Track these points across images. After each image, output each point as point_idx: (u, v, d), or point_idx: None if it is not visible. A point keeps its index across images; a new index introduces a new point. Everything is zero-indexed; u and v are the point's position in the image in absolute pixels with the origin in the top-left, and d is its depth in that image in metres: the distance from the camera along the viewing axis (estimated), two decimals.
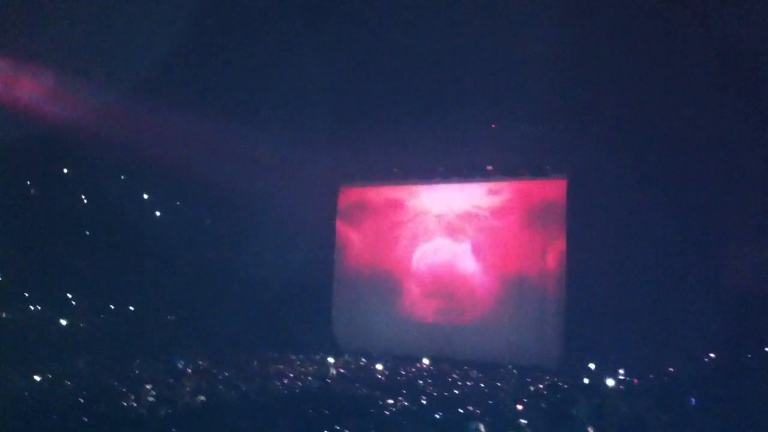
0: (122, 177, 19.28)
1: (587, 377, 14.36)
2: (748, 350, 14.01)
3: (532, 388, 14.24)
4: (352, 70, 16.66)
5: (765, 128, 14.19)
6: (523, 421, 9.85)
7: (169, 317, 20.82)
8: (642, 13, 13.89)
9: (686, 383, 10.98)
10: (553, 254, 18.35)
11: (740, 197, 15.45)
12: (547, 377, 15.36)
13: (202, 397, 13.13)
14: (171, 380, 14.65)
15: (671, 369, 14.14)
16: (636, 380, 13.72)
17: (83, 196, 18.81)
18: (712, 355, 14.16)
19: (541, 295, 18.49)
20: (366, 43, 16.22)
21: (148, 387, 13.62)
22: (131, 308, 20.47)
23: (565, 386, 13.89)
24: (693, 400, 8.50)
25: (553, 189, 18.63)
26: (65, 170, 18.72)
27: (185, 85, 17.00)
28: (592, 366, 15.30)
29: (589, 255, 17.18)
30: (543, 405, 11.29)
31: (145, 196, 20.19)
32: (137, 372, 15.70)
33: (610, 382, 13.42)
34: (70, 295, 19.41)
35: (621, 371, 14.19)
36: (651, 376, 13.71)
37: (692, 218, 15.67)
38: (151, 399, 12.88)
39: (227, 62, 16.72)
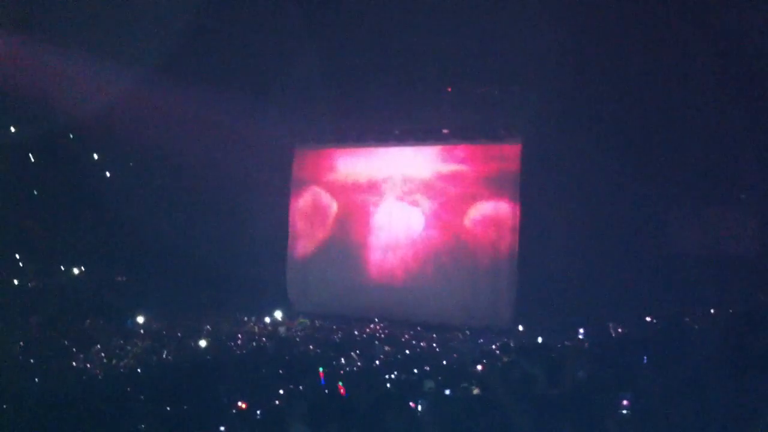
0: (71, 136, 18.86)
1: (540, 338, 14.56)
2: (691, 313, 14.31)
3: (484, 349, 14.41)
4: (305, 32, 16.45)
5: (720, 95, 14.33)
6: (476, 380, 9.96)
7: (119, 278, 20.61)
8: None
9: (636, 343, 11.19)
10: (507, 217, 18.48)
11: (691, 164, 15.68)
12: (499, 338, 15.56)
13: (154, 358, 13.12)
14: (121, 341, 14.58)
15: (621, 330, 14.40)
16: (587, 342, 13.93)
17: (30, 155, 18.38)
18: (651, 317, 14.44)
19: (495, 258, 18.65)
20: (321, 4, 16.06)
21: (98, 347, 13.56)
22: (81, 269, 20.21)
23: (517, 347, 14.08)
24: (645, 358, 8.66)
25: (507, 153, 18.72)
26: (12, 129, 18.21)
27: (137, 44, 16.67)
28: (543, 328, 15.50)
29: (542, 218, 17.35)
30: (496, 364, 11.42)
31: (95, 156, 19.79)
32: (88, 332, 15.59)
33: (560, 344, 13.61)
34: (18, 256, 19.10)
35: (580, 330, 14.39)
36: (602, 336, 13.94)
37: (642, 184, 15.87)
38: (101, 359, 12.83)
39: (180, 24, 16.38)
